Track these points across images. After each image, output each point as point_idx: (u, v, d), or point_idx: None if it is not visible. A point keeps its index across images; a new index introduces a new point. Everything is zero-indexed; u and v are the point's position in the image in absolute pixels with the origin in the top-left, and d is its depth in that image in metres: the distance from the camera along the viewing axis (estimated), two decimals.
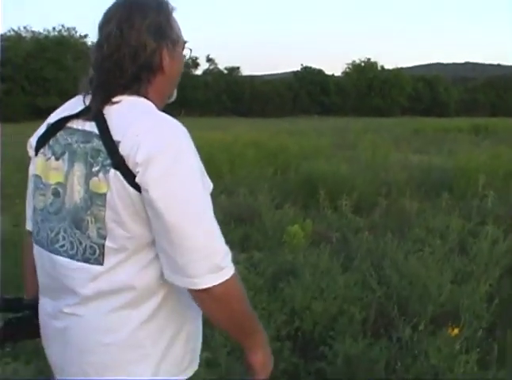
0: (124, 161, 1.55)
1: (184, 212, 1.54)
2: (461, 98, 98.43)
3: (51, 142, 1.74)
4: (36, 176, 1.77)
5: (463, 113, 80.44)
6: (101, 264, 1.63)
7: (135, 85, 1.68)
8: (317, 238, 7.15)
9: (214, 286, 1.56)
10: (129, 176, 1.55)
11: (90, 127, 1.64)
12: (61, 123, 1.73)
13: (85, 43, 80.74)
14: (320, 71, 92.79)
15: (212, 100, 77.86)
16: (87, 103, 1.68)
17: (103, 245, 1.62)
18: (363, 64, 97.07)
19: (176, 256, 1.55)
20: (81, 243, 1.65)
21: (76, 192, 1.64)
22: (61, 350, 1.76)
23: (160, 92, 1.77)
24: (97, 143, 1.60)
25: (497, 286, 5.63)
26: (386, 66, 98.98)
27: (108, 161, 1.57)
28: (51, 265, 1.73)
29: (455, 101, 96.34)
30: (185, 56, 1.85)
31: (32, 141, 1.82)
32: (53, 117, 1.80)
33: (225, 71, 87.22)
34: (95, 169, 1.60)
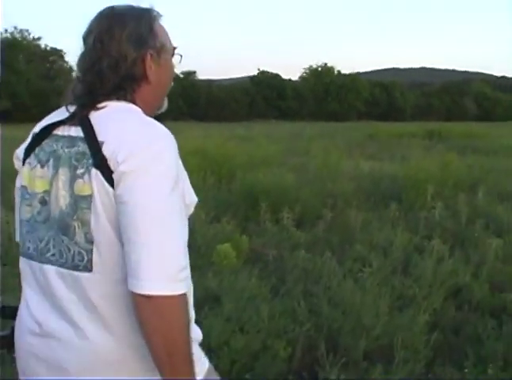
0: (106, 160, 1.52)
1: (147, 211, 1.48)
2: (417, 103, 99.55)
3: (36, 150, 1.71)
4: (23, 186, 1.73)
5: (419, 118, 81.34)
6: (90, 270, 1.57)
7: (118, 93, 1.66)
8: (252, 256, 6.68)
9: (161, 296, 1.45)
10: (109, 175, 1.51)
11: (76, 132, 1.62)
12: (46, 132, 1.70)
13: (38, 46, 79.81)
14: (277, 76, 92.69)
15: (168, 104, 76.92)
16: (72, 111, 1.66)
17: (91, 250, 1.57)
18: (320, 69, 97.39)
19: (131, 254, 1.48)
20: (69, 250, 1.60)
21: (61, 198, 1.60)
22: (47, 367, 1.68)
23: (147, 101, 1.73)
24: (83, 146, 1.58)
25: (440, 311, 5.22)
26: (343, 71, 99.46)
27: (91, 161, 1.55)
28: (42, 275, 1.66)
29: (411, 106, 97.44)
30: (174, 63, 1.83)
31: (19, 152, 1.78)
32: (38, 127, 1.76)
33: (181, 75, 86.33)
34: (80, 171, 1.57)
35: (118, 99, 1.65)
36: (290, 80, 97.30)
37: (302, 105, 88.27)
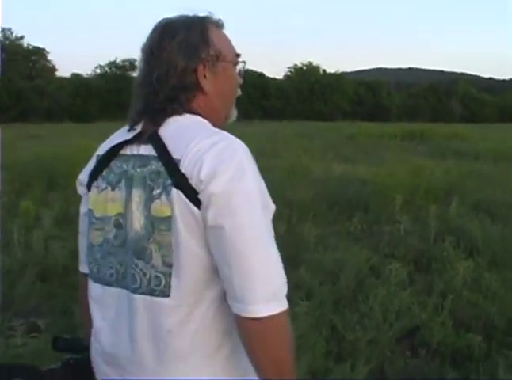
0: (186, 179, 1.45)
1: (244, 232, 1.42)
2: (403, 103, 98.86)
3: (104, 173, 1.64)
4: (89, 210, 1.68)
5: (405, 118, 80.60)
6: (168, 295, 1.50)
7: (173, 105, 1.58)
8: None
9: (268, 316, 1.42)
10: (192, 195, 1.44)
11: (146, 150, 1.56)
12: (113, 152, 1.64)
13: (20, 45, 78.85)
14: (261, 74, 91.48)
15: None
16: (137, 129, 1.60)
17: (170, 274, 1.50)
18: (305, 68, 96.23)
19: (233, 278, 1.43)
20: (145, 274, 1.53)
21: (136, 220, 1.53)
22: None
23: (209, 112, 1.65)
24: (156, 165, 1.51)
25: (391, 356, 4.26)
26: (329, 71, 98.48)
27: (169, 181, 1.47)
28: (122, 302, 1.59)
29: (397, 106, 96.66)
30: (239, 70, 1.76)
31: (82, 178, 1.74)
32: (103, 148, 1.70)
33: None
34: (156, 191, 1.50)
35: (174, 110, 1.57)
36: (274, 79, 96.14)
37: (286, 104, 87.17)
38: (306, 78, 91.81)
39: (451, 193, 10.23)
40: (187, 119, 1.58)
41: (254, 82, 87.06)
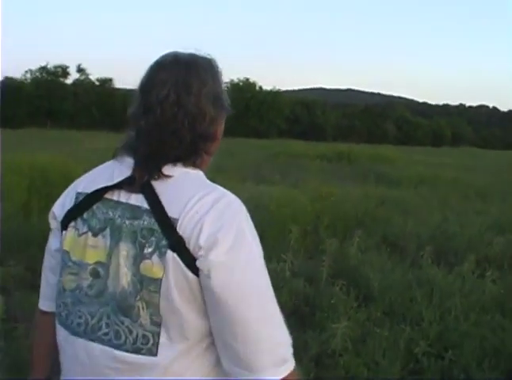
0: (184, 242, 1.38)
1: (249, 301, 1.38)
2: (338, 123, 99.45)
3: (85, 215, 1.54)
4: (65, 251, 1.57)
5: (340, 138, 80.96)
6: (155, 354, 1.43)
7: (191, 156, 1.52)
8: None
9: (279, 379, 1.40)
10: (189, 260, 1.38)
11: (137, 200, 1.47)
12: (97, 195, 1.53)
13: None
14: None
15: (82, 112, 74.10)
16: (128, 172, 1.49)
17: (158, 334, 1.43)
18: (241, 83, 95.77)
19: (238, 346, 1.39)
20: (131, 332, 1.45)
21: (123, 275, 1.45)
22: None
23: (208, 160, 1.62)
24: (149, 221, 1.43)
25: None
26: (265, 88, 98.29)
27: (164, 242, 1.40)
28: (89, 355, 1.50)
29: (332, 126, 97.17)
30: None
31: (57, 213, 1.62)
32: (84, 186, 1.58)
33: (97, 83, 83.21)
34: (148, 250, 1.42)
35: (185, 165, 1.49)
36: None
37: None
38: (242, 94, 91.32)
39: (362, 223, 9.28)
40: (185, 173, 1.48)
41: None
